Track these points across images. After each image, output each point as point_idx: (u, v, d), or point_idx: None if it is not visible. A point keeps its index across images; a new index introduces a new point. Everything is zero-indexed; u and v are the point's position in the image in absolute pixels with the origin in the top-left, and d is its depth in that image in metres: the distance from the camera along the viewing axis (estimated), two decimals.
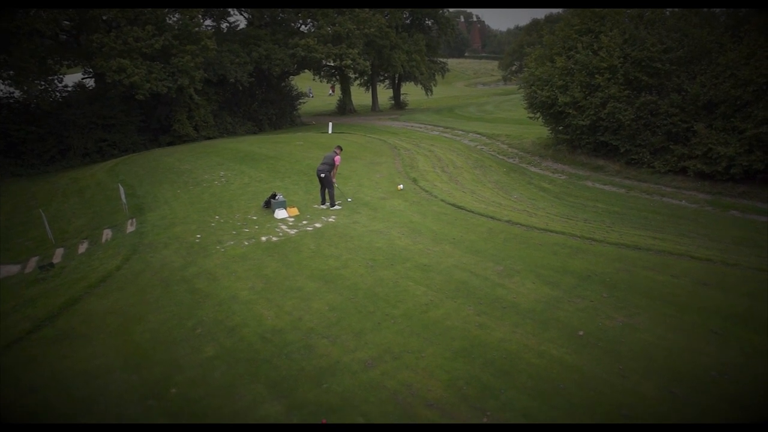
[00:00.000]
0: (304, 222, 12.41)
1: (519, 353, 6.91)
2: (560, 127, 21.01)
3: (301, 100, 40.57)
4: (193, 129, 30.66)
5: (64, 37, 27.00)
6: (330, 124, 29.04)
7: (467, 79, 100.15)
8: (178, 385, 6.56)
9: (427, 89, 48.77)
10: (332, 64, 41.43)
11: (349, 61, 35.62)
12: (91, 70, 26.89)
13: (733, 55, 15.85)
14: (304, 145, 22.40)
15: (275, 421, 5.82)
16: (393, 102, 50.48)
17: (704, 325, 7.28)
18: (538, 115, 22.85)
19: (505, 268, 9.37)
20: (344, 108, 46.24)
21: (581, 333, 7.27)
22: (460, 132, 30.48)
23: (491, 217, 12.26)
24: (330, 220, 12.53)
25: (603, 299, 8.19)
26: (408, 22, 46.26)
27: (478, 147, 26.04)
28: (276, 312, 8.19)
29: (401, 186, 15.18)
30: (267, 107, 37.16)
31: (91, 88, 28.43)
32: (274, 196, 13.31)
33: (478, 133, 29.16)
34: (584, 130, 19.86)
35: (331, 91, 54.49)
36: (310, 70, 42.00)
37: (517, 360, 6.77)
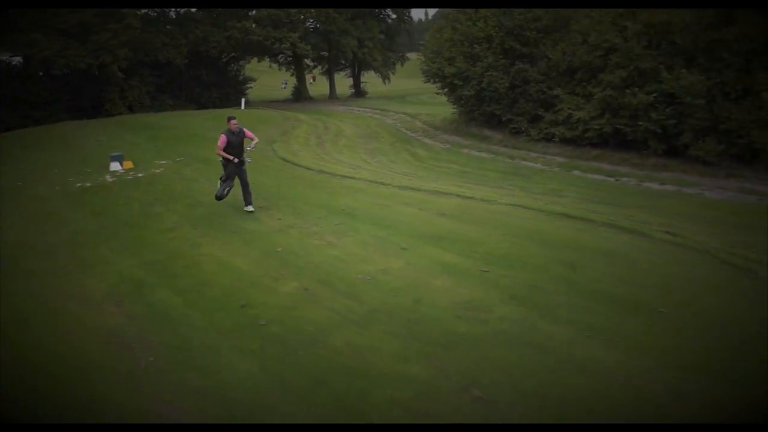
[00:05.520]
0: (132, 173, 12.83)
1: (191, 257, 7.34)
2: (452, 100, 21.39)
3: (248, 85, 40.98)
4: (127, 109, 31.05)
5: None
6: (243, 100, 29.74)
7: None
8: None
9: (384, 77, 49.09)
10: (288, 52, 41.79)
11: (288, 45, 36.03)
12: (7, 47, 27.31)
13: (585, 23, 16.27)
14: (209, 119, 22.81)
15: None
16: (353, 90, 50.78)
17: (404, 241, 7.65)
18: (445, 90, 23.18)
19: (268, 204, 9.74)
20: (299, 95, 46.56)
21: (279, 249, 7.63)
22: (391, 113, 30.79)
23: (308, 168, 12.67)
24: (157, 171, 12.95)
25: (335, 228, 8.44)
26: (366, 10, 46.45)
27: (394, 124, 26.40)
28: None
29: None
30: (211, 91, 37.56)
31: (16, 64, 28.86)
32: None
33: (406, 114, 29.52)
34: (473, 101, 20.22)
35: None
36: (264, 57, 42.25)
37: (183, 260, 7.21)
